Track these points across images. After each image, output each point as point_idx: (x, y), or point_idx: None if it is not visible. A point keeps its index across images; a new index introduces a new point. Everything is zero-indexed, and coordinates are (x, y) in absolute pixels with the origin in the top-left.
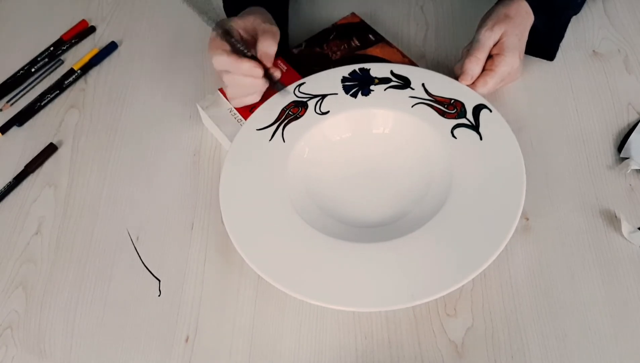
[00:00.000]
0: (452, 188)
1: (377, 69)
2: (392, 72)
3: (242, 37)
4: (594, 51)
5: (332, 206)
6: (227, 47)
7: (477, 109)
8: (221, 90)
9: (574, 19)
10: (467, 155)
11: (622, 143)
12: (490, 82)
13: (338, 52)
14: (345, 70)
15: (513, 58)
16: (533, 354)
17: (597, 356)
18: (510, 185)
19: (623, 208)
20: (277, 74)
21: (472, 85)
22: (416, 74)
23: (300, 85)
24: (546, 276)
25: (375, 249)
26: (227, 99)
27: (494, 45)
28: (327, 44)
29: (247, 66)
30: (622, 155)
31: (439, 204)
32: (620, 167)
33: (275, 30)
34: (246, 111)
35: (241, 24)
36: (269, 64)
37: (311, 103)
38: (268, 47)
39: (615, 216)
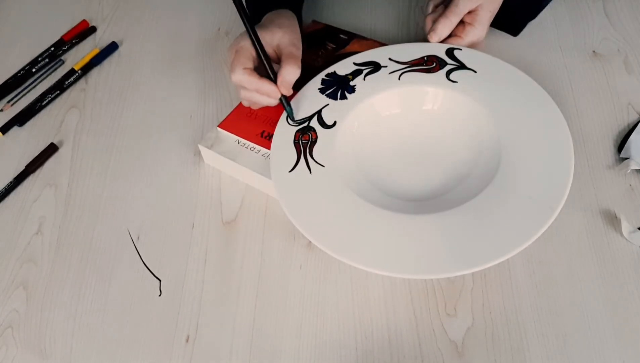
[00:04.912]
0: (499, 167)
1: (341, 67)
2: (355, 63)
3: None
4: (594, 51)
5: (380, 179)
6: (250, 64)
7: (450, 52)
8: (221, 126)
9: (574, 19)
10: (512, 129)
11: (622, 143)
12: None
13: (319, 59)
14: (316, 82)
15: (482, 32)
16: (533, 354)
17: (597, 356)
18: (557, 163)
19: (623, 208)
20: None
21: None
22: (378, 54)
23: (288, 116)
24: (546, 276)
25: (420, 220)
26: (229, 131)
27: (468, 12)
28: (303, 55)
29: (266, 89)
30: (622, 155)
31: (483, 183)
32: (620, 167)
33: (299, 54)
34: (256, 137)
35: (268, 39)
36: (286, 91)
37: (314, 123)
38: (289, 74)
39: (615, 216)
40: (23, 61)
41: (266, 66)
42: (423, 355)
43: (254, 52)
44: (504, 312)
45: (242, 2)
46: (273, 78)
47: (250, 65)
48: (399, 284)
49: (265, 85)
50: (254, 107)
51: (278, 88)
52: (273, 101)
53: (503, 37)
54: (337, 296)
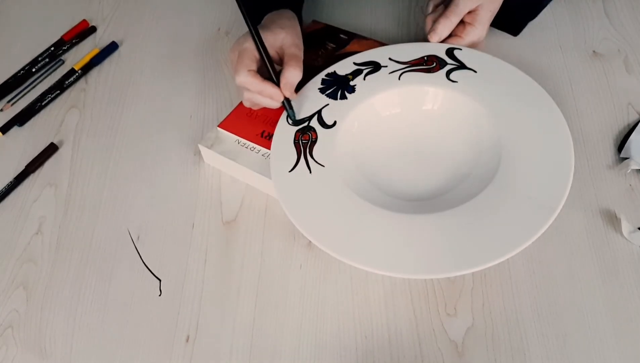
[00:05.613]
0: (499, 167)
1: (341, 67)
2: (355, 63)
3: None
4: (594, 51)
5: (380, 179)
6: (254, 65)
7: (450, 52)
8: (221, 126)
9: (574, 19)
10: (513, 129)
11: (622, 143)
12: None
13: (319, 59)
14: (316, 82)
15: (482, 32)
16: (533, 354)
17: (597, 356)
18: (557, 169)
19: (623, 208)
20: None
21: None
22: (378, 54)
23: (288, 115)
24: (546, 276)
25: (421, 220)
26: (229, 131)
27: (469, 12)
28: (303, 55)
29: (269, 92)
30: (622, 155)
31: (483, 183)
32: (620, 167)
33: (301, 55)
34: (256, 137)
35: (270, 40)
36: (289, 93)
37: (314, 123)
38: (293, 76)
39: (615, 216)
40: (23, 60)
41: (269, 69)
42: (423, 355)
43: (257, 54)
44: (504, 312)
45: (246, 4)
46: (276, 81)
47: (254, 67)
48: (399, 284)
49: (269, 88)
50: (256, 108)
51: (281, 91)
52: (276, 104)
53: (503, 37)
54: (337, 296)
